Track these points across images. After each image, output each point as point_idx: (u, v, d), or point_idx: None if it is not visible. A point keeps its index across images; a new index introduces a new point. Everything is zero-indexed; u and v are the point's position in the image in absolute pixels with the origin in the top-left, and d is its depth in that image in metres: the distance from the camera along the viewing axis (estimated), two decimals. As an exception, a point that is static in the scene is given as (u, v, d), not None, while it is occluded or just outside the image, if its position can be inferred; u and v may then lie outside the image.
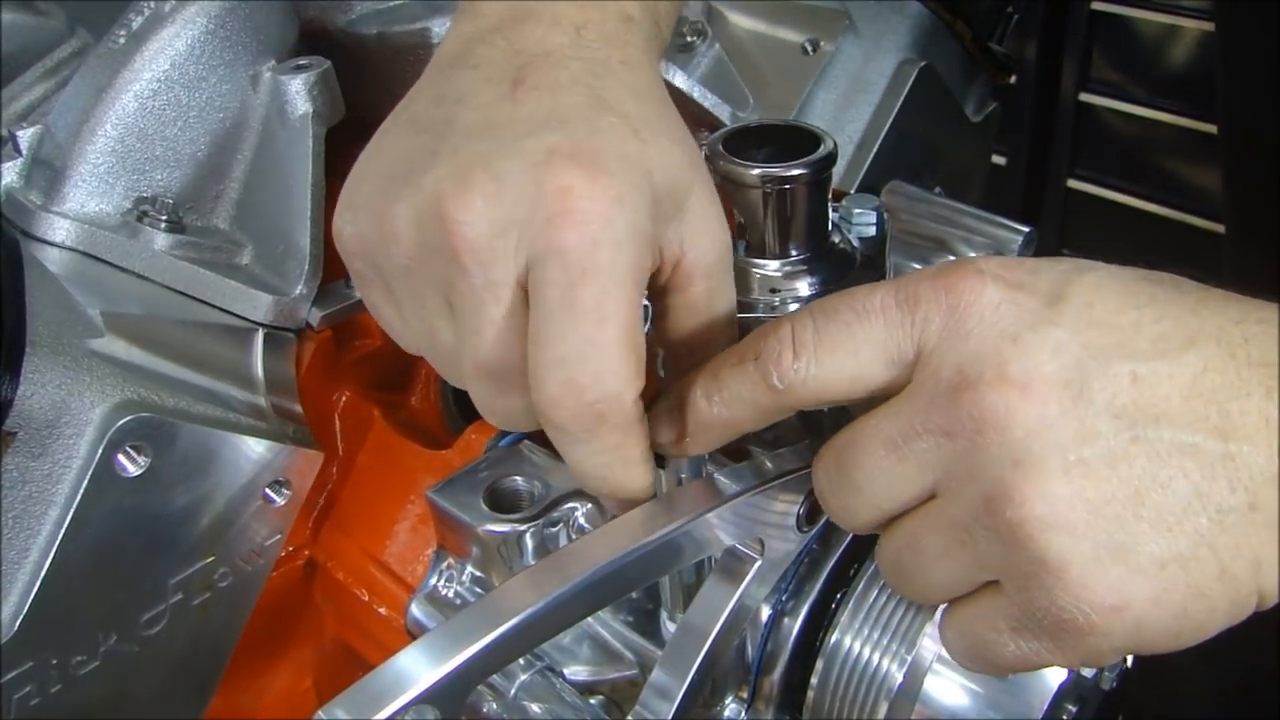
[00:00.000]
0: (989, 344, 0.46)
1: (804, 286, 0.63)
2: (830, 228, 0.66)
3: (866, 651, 0.62)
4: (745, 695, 0.65)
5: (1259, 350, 0.44)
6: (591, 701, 0.64)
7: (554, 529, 0.64)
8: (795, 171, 0.61)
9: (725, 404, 0.52)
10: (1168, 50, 2.74)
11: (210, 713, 0.74)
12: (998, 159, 2.88)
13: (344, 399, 0.80)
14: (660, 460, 0.56)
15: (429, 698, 0.45)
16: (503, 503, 0.67)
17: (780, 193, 0.62)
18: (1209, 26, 2.61)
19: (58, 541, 0.60)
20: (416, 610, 0.70)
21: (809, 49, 1.01)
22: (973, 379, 0.45)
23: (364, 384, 0.81)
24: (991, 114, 1.14)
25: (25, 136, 0.74)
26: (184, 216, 0.74)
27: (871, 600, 0.63)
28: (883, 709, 0.62)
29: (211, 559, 0.69)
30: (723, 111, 0.90)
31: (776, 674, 0.64)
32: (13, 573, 0.60)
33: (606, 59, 0.54)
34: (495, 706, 0.63)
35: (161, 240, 0.72)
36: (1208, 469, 0.43)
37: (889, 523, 0.51)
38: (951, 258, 0.75)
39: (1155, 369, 0.44)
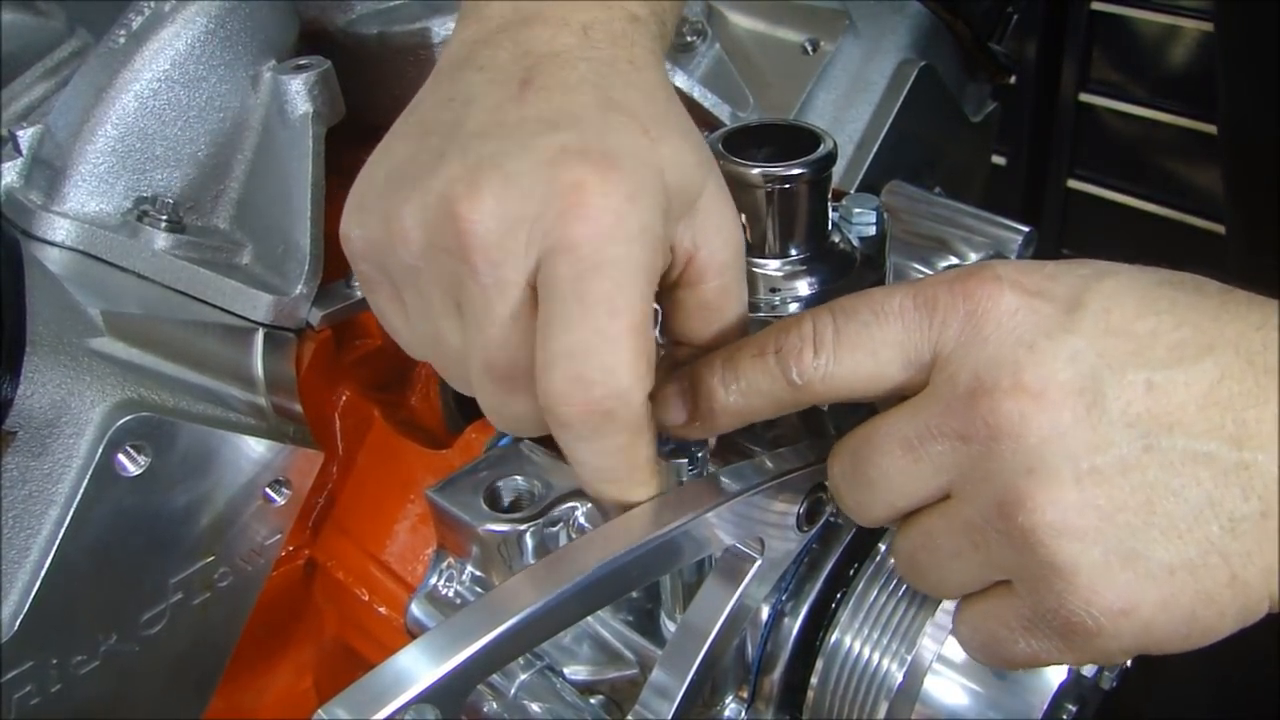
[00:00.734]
0: (1006, 351, 0.46)
1: (804, 286, 0.63)
2: (830, 227, 0.66)
3: (866, 651, 0.62)
4: (745, 695, 0.65)
5: (1278, 357, 0.44)
6: (591, 701, 0.64)
7: (554, 528, 0.64)
8: (795, 171, 0.61)
9: (742, 394, 0.53)
10: (1168, 50, 2.74)
11: (210, 712, 0.74)
12: (998, 159, 2.88)
13: (344, 399, 0.80)
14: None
15: (429, 697, 0.45)
16: (503, 502, 0.67)
17: (780, 192, 0.62)
18: (1209, 26, 2.61)
19: (58, 541, 0.61)
20: (416, 610, 0.70)
21: (809, 49, 1.01)
22: (989, 385, 0.46)
23: (364, 384, 0.81)
24: (991, 114, 1.14)
25: (25, 136, 0.74)
26: (184, 216, 0.74)
27: (871, 600, 0.63)
28: (883, 709, 0.62)
29: (212, 558, 0.69)
30: (723, 111, 0.90)
31: (776, 674, 0.64)
32: (13, 572, 0.60)
33: (614, 59, 0.54)
34: (495, 706, 0.63)
35: (162, 240, 0.72)
36: (1221, 477, 0.44)
37: (904, 518, 0.51)
38: (954, 259, 0.75)
39: (1171, 377, 0.45)
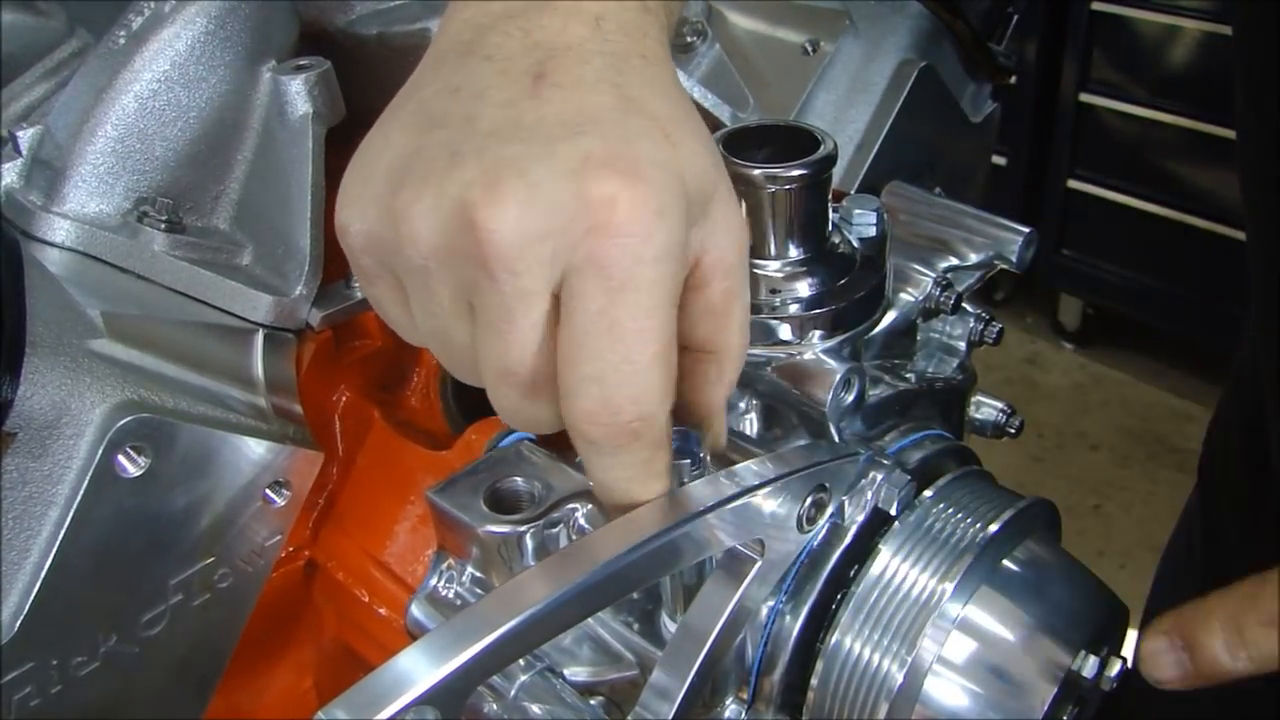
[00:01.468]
0: None
1: (804, 287, 0.64)
2: (830, 228, 0.66)
3: (867, 652, 0.62)
4: (745, 696, 0.65)
5: None
6: (592, 702, 0.64)
7: (554, 530, 0.64)
8: (795, 172, 0.61)
9: (1252, 661, 0.52)
10: (1168, 50, 2.74)
11: (210, 713, 0.74)
12: (998, 159, 2.88)
13: (344, 399, 0.80)
14: None
15: (429, 698, 0.45)
16: (503, 503, 0.66)
17: (780, 193, 0.62)
18: (1209, 26, 2.61)
19: (58, 542, 0.60)
20: (417, 611, 0.70)
21: (809, 49, 1.01)
22: None
23: (364, 384, 0.81)
24: (992, 114, 1.14)
25: (25, 137, 0.74)
26: (184, 217, 0.74)
27: (872, 601, 0.63)
28: (883, 709, 0.62)
29: (212, 560, 0.69)
30: (723, 112, 0.90)
31: (777, 674, 0.64)
32: (13, 573, 0.60)
33: (627, 52, 0.52)
34: (495, 707, 0.63)
35: (161, 241, 0.72)
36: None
37: None
38: (954, 260, 0.75)
39: None
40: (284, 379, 0.73)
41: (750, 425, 0.69)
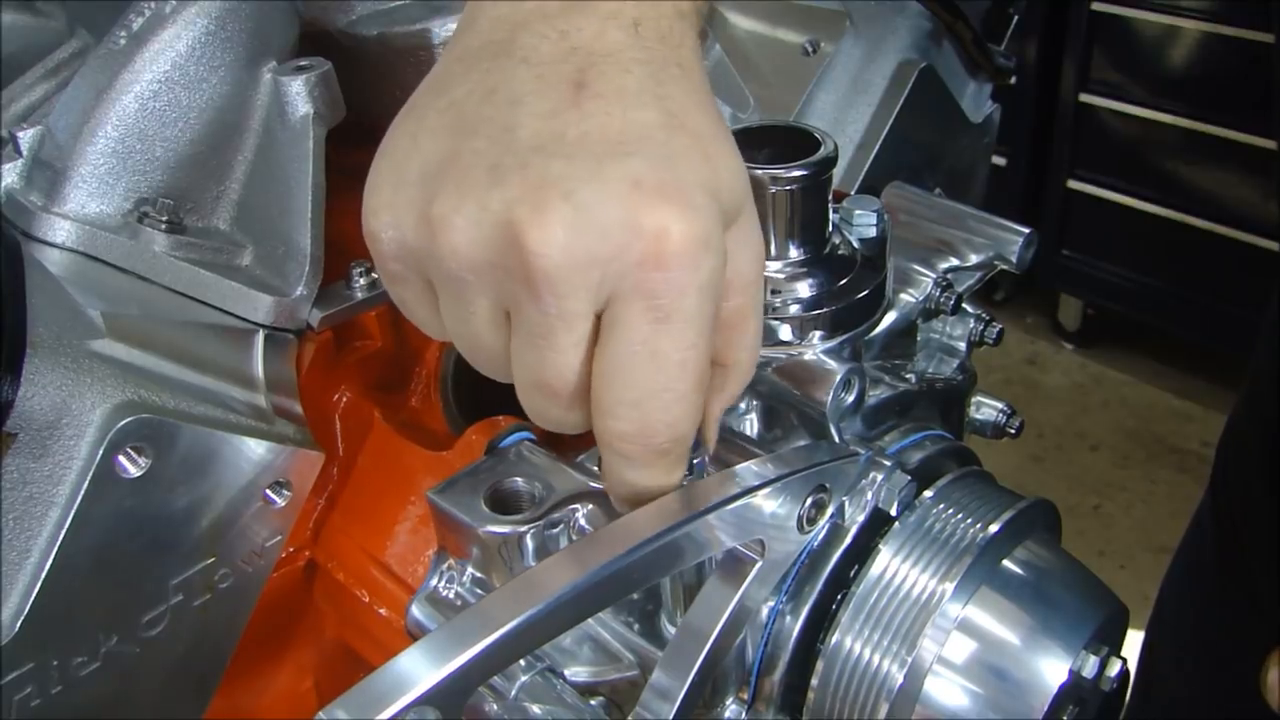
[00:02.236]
0: None
1: (804, 288, 0.64)
2: (831, 229, 0.66)
3: (867, 652, 0.62)
4: (746, 696, 0.65)
5: None
6: (592, 703, 0.64)
7: (555, 530, 0.64)
8: (796, 173, 0.61)
9: None
10: (1168, 50, 2.74)
11: (210, 713, 0.74)
12: (998, 159, 2.88)
13: (344, 400, 0.80)
14: None
15: (430, 699, 0.45)
16: (503, 504, 0.66)
17: (781, 194, 0.62)
18: (1209, 26, 2.61)
19: (58, 543, 0.60)
20: (417, 611, 0.70)
21: (809, 50, 1.01)
22: None
23: (364, 385, 0.81)
24: (992, 115, 1.14)
25: (26, 137, 0.74)
26: (184, 217, 0.74)
27: (872, 601, 0.63)
28: (883, 710, 0.62)
29: (212, 560, 0.69)
30: (723, 112, 0.90)
31: (777, 675, 0.64)
32: (13, 574, 0.60)
33: (665, 62, 0.51)
34: (496, 707, 0.63)
35: (162, 241, 0.72)
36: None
37: None
38: (955, 260, 0.75)
39: None
40: (284, 379, 0.73)
41: (750, 425, 0.69)
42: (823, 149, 0.62)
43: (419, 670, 0.45)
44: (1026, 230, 0.76)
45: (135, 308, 0.69)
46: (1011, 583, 0.64)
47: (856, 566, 0.64)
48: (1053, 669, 0.61)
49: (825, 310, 0.64)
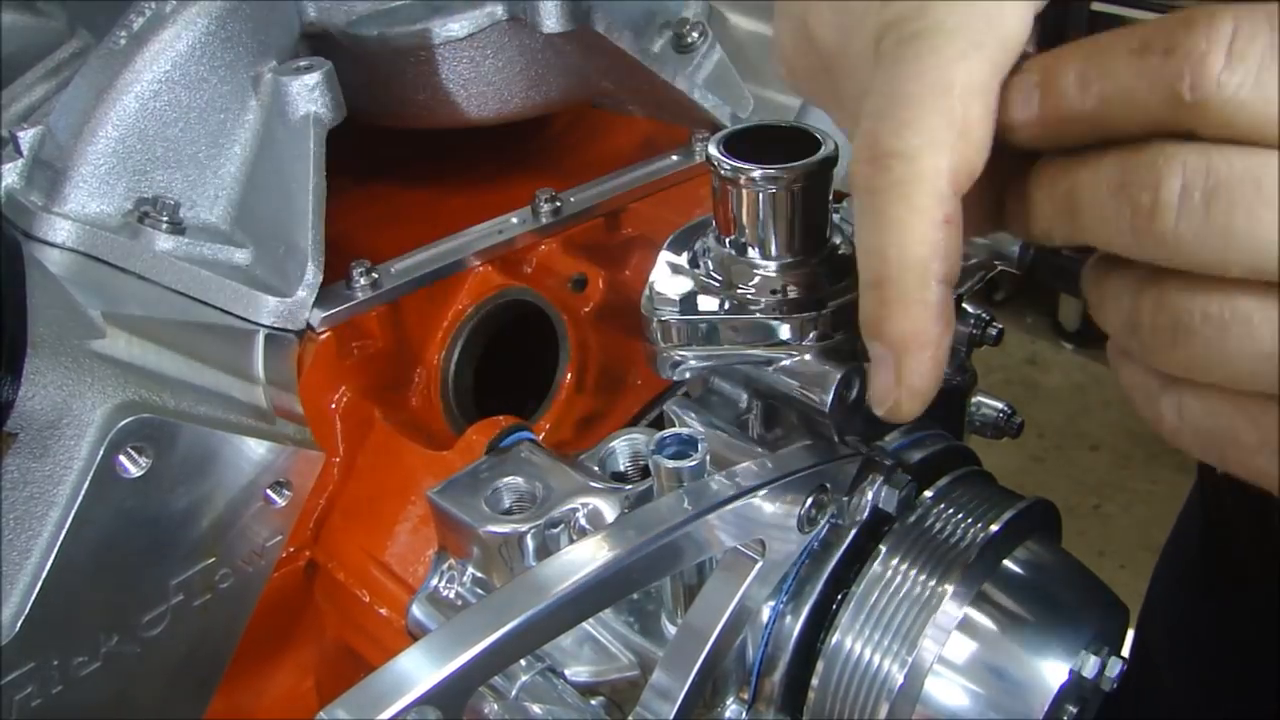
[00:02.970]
0: None
1: (804, 288, 0.63)
2: (831, 229, 0.66)
3: (867, 652, 0.62)
4: (746, 696, 0.65)
5: None
6: (592, 702, 0.64)
7: (555, 530, 0.64)
8: (796, 173, 0.61)
9: (1101, 97, 0.41)
10: (1167, 50, 2.74)
11: (211, 713, 0.74)
12: (998, 159, 2.88)
13: (345, 400, 0.80)
14: None
15: (431, 699, 0.45)
16: (504, 504, 0.67)
17: (781, 194, 0.62)
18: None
19: (59, 543, 0.61)
20: (417, 611, 0.70)
21: (809, 50, 1.01)
22: None
23: (364, 385, 0.81)
24: (992, 115, 1.14)
25: (26, 137, 0.74)
26: (185, 217, 0.74)
27: (873, 601, 0.63)
28: (883, 710, 0.62)
29: (212, 560, 0.69)
30: (723, 112, 0.90)
31: (777, 675, 0.64)
32: (14, 574, 0.60)
33: None
34: (496, 707, 0.63)
35: (162, 241, 0.72)
36: None
37: None
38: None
39: None
40: (285, 379, 0.73)
41: (750, 426, 0.69)
42: (823, 149, 0.62)
43: (419, 670, 0.45)
44: (1027, 230, 0.76)
45: (136, 308, 0.69)
46: (1011, 583, 0.64)
47: (857, 566, 0.64)
48: (1053, 669, 0.61)
49: (825, 310, 0.64)
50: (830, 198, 0.65)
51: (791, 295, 0.63)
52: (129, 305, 0.69)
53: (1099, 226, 0.42)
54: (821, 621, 0.64)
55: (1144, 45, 0.39)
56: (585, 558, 0.51)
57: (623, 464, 0.70)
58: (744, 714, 0.65)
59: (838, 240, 0.66)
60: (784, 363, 0.64)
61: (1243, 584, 0.90)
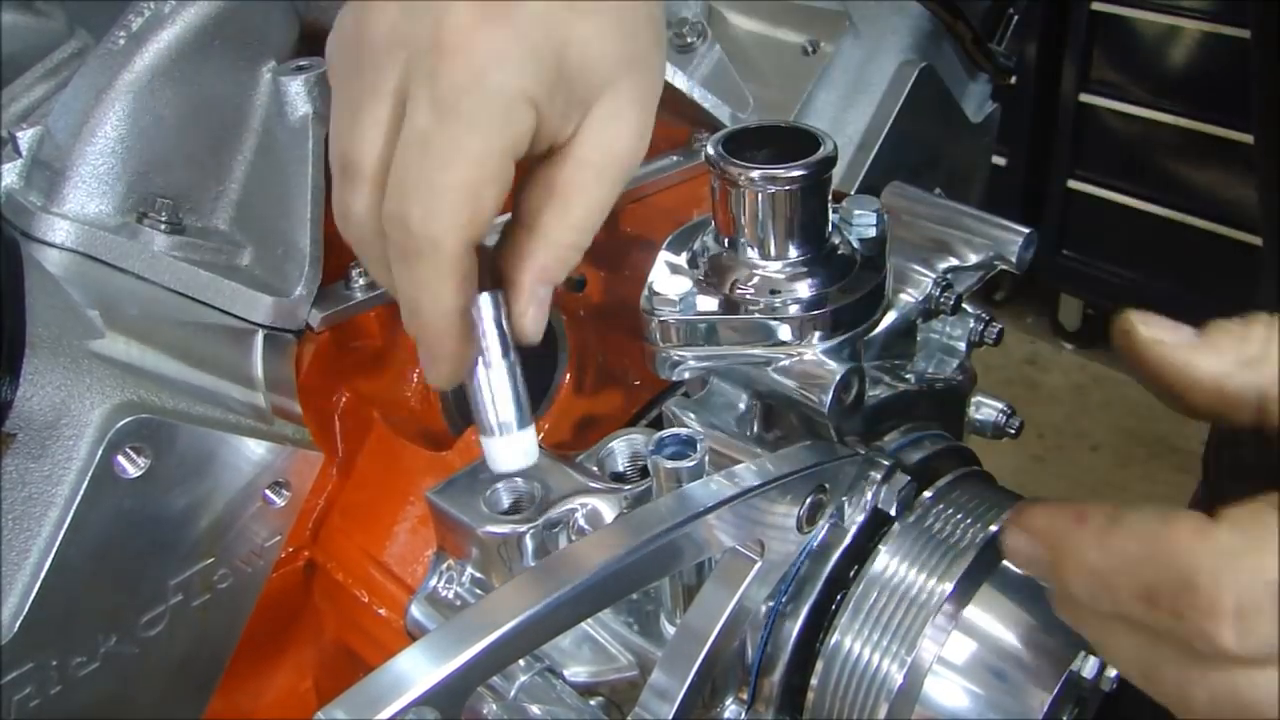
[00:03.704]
0: None
1: (804, 288, 0.63)
2: (831, 229, 0.66)
3: (866, 653, 0.62)
4: (745, 696, 0.65)
5: None
6: (591, 703, 0.64)
7: (554, 530, 0.64)
8: (795, 173, 0.61)
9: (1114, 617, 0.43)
10: (1168, 50, 2.74)
11: (210, 713, 0.74)
12: (998, 159, 2.88)
13: (344, 400, 0.80)
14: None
15: (429, 699, 0.45)
16: (502, 504, 0.66)
17: (780, 194, 0.62)
18: (1209, 26, 2.61)
19: (57, 543, 0.60)
20: (416, 611, 0.70)
21: (809, 50, 1.01)
22: None
23: (364, 385, 0.81)
24: (992, 114, 1.14)
25: (25, 137, 0.74)
26: (184, 218, 0.74)
27: (872, 601, 0.63)
28: (883, 710, 0.62)
29: (211, 560, 0.69)
30: (723, 112, 0.90)
31: (776, 675, 0.64)
32: (13, 574, 0.60)
33: None
34: (495, 708, 0.63)
35: (161, 241, 0.72)
36: None
37: None
38: (954, 260, 0.75)
39: None
40: (284, 379, 0.73)
41: (750, 426, 0.69)
42: (823, 149, 0.62)
43: (418, 670, 0.45)
44: (1026, 230, 0.76)
45: (135, 308, 0.69)
46: (1011, 583, 0.64)
47: (856, 566, 0.64)
48: (1053, 669, 0.61)
49: (825, 310, 0.64)
50: (830, 198, 0.65)
51: (791, 295, 0.63)
52: (128, 305, 0.68)
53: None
54: (821, 622, 0.64)
55: (1149, 594, 0.40)
56: (584, 558, 0.51)
57: (622, 464, 0.70)
58: (743, 714, 0.65)
59: (837, 240, 0.66)
60: (783, 363, 0.65)
61: None
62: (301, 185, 0.72)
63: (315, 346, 0.76)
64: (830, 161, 0.62)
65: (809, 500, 0.59)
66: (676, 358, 0.65)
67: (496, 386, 0.57)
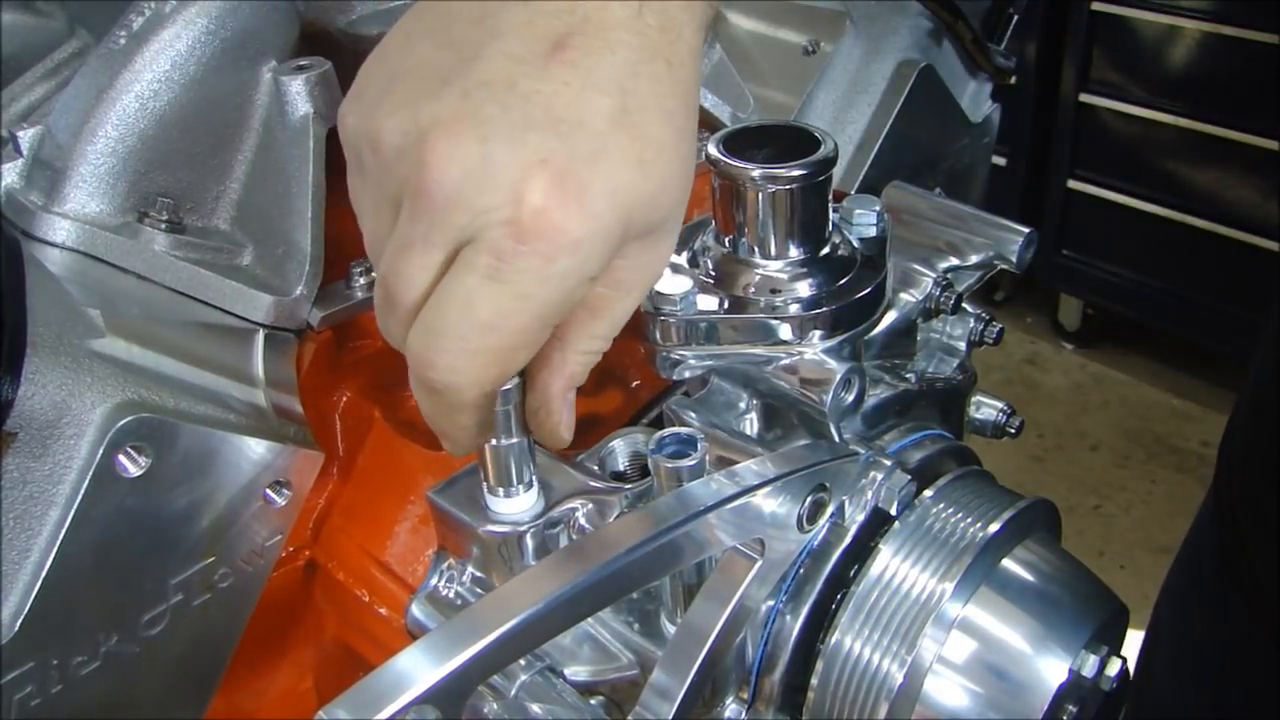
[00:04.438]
0: None
1: (804, 288, 0.64)
2: (831, 229, 0.66)
3: (867, 652, 0.62)
4: (746, 696, 0.65)
5: None
6: (592, 702, 0.64)
7: (554, 529, 0.64)
8: (795, 172, 0.61)
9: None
10: (1168, 50, 2.74)
11: (210, 713, 0.74)
12: (998, 159, 2.88)
13: (344, 399, 0.80)
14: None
15: (430, 698, 0.45)
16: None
17: (781, 193, 0.62)
18: (1209, 26, 2.61)
19: (58, 542, 0.60)
20: (417, 611, 0.70)
21: (809, 50, 1.01)
22: None
23: (364, 384, 0.81)
24: (992, 115, 1.14)
25: (26, 137, 0.74)
26: (184, 217, 0.74)
27: (872, 601, 0.63)
28: (883, 709, 0.62)
29: (212, 559, 0.69)
30: (723, 112, 0.90)
31: (777, 674, 0.64)
32: (13, 573, 0.60)
33: (654, 53, 0.52)
34: (496, 707, 0.63)
35: (162, 241, 0.72)
36: None
37: None
38: (955, 260, 0.75)
39: None
40: (284, 379, 0.73)
41: (750, 425, 0.69)
42: (823, 149, 0.62)
43: (419, 669, 0.45)
44: (1026, 230, 0.76)
45: (135, 307, 0.69)
46: (1011, 582, 0.64)
47: (856, 566, 0.64)
48: (1053, 669, 0.61)
49: (825, 310, 0.64)
50: (830, 197, 0.65)
51: (791, 294, 0.64)
52: (129, 305, 0.69)
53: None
54: (821, 621, 0.64)
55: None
56: (584, 557, 0.51)
57: (622, 463, 0.70)
58: (743, 714, 0.65)
59: (837, 240, 0.66)
60: (783, 362, 0.65)
61: (1255, 597, 0.90)
62: (302, 185, 0.72)
63: (316, 346, 0.76)
64: (830, 161, 0.62)
65: (809, 499, 0.59)
66: (677, 357, 0.65)
67: (505, 458, 0.61)
